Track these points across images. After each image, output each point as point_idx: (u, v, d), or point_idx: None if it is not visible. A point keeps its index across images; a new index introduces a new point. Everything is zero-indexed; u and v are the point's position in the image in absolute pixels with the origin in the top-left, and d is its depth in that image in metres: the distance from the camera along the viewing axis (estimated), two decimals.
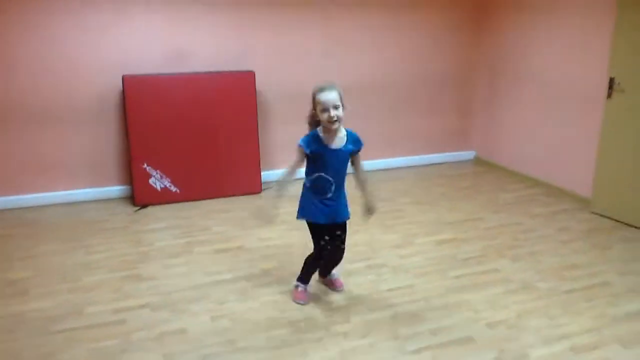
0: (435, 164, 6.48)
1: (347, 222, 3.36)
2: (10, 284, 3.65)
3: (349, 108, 3.10)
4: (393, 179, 5.94)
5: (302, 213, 3.30)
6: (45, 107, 4.81)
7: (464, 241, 4.34)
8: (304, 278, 3.48)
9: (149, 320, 3.21)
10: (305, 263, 3.48)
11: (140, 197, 5.04)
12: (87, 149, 5.03)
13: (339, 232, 3.33)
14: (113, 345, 2.97)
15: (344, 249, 3.39)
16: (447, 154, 6.56)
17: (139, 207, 4.99)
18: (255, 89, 5.22)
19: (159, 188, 5.07)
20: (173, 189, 5.11)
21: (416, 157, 6.40)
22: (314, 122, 3.16)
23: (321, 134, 3.13)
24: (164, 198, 5.09)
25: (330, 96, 3.00)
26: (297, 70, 5.54)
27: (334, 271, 3.61)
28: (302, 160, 3.17)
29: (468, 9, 6.14)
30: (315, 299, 3.46)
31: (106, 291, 3.54)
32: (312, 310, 3.32)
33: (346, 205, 3.32)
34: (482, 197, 5.38)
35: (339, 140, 3.14)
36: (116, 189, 5.21)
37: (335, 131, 3.10)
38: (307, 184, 3.23)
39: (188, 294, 3.52)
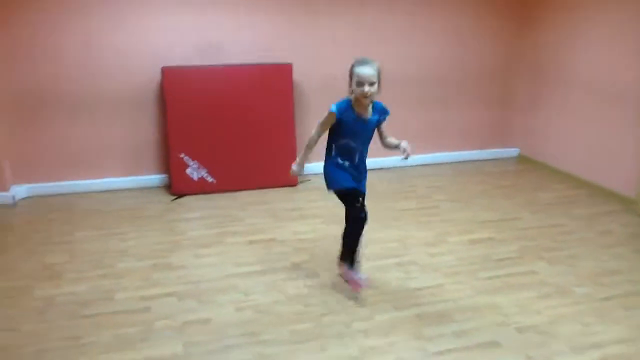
0: (475, 160, 6.32)
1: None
2: (46, 267, 3.76)
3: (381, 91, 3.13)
4: (429, 175, 5.83)
5: (332, 184, 3.30)
6: (88, 96, 4.93)
7: (500, 241, 4.21)
8: (346, 257, 3.39)
9: (174, 308, 3.25)
10: (344, 244, 3.40)
11: (177, 186, 5.10)
12: (127, 138, 5.13)
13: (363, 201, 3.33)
14: (135, 332, 3.02)
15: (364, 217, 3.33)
16: (489, 150, 6.39)
17: (175, 197, 5.06)
18: (292, 80, 5.20)
19: (195, 178, 5.12)
20: (209, 179, 5.16)
21: (455, 153, 6.26)
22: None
23: (353, 103, 3.16)
24: (200, 188, 5.14)
25: (367, 71, 3.04)
26: (334, 62, 5.49)
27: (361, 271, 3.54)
28: (329, 124, 3.19)
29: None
30: (339, 294, 3.42)
31: (136, 278, 3.60)
32: (336, 306, 3.29)
33: (365, 179, 3.39)
34: (522, 196, 5.21)
35: (369, 111, 3.18)
36: (154, 178, 5.30)
37: (367, 104, 3.14)
38: (333, 153, 3.26)
39: (216, 284, 3.54)
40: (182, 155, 5.06)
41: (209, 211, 4.76)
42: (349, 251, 3.40)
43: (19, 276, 3.62)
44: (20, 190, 4.95)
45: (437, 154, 6.19)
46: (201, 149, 5.11)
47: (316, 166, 5.65)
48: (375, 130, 3.30)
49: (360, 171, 3.32)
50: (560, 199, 5.14)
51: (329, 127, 3.22)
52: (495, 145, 6.41)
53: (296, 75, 5.33)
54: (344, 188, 3.27)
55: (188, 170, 5.09)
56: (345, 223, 3.33)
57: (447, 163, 6.21)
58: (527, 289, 3.51)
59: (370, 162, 5.61)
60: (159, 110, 5.11)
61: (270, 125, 5.21)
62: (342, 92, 5.40)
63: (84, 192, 5.14)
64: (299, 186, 5.41)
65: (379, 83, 3.09)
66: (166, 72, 4.89)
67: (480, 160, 6.34)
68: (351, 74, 3.12)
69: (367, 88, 3.03)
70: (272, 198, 5.10)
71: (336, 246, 3.89)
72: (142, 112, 5.10)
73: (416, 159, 6.08)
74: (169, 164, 5.08)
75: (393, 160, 5.99)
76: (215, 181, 5.17)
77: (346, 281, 3.42)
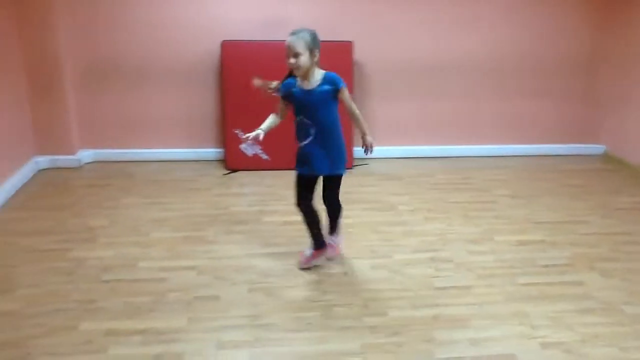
0: (554, 155, 5.82)
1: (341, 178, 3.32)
2: (87, 230, 3.92)
3: (317, 56, 3.04)
4: (495, 167, 5.46)
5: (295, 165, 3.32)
6: (153, 68, 5.07)
7: (553, 245, 3.85)
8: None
9: (189, 282, 3.26)
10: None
11: (230, 161, 5.14)
12: (188, 110, 5.23)
13: (331, 184, 3.32)
14: (146, 301, 3.06)
15: (336, 199, 3.37)
16: (570, 145, 5.87)
17: (228, 172, 5.10)
18: (352, 59, 5.04)
19: (249, 154, 5.13)
20: (264, 156, 5.15)
21: (531, 147, 5.81)
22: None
23: (298, 78, 3.09)
24: (253, 164, 5.15)
25: (291, 41, 2.97)
26: (399, 43, 5.27)
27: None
28: (281, 102, 3.22)
29: None
30: (360, 285, 3.28)
31: (164, 249, 3.66)
32: (351, 298, 3.15)
33: (335, 159, 3.20)
34: (595, 198, 4.74)
35: (314, 82, 3.05)
36: (212, 152, 5.37)
37: (306, 75, 3.03)
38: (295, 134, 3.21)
39: (237, 262, 3.52)
40: (237, 131, 5.07)
41: (256, 188, 4.75)
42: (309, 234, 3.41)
43: (59, 237, 3.80)
44: (86, 155, 5.21)
45: (509, 146, 5.77)
46: (256, 125, 5.07)
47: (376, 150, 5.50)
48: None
49: (320, 149, 3.17)
50: (638, 205, 4.62)
51: (283, 105, 3.24)
52: (577, 140, 5.87)
53: (359, 55, 5.15)
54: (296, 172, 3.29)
55: (242, 146, 5.11)
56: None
57: (520, 156, 5.77)
58: (566, 300, 3.17)
59: (428, 150, 5.46)
60: (219, 84, 5.15)
61: None
62: (404, 73, 5.21)
63: (143, 160, 5.31)
64: (354, 170, 5.26)
65: (311, 53, 2.99)
66: (225, 45, 4.90)
67: (560, 156, 5.83)
68: None
69: (291, 60, 2.97)
70: None
71: (373, 234, 3.76)
72: (202, 86, 5.17)
73: (485, 149, 5.72)
74: (225, 139, 5.12)
75: (454, 149, 5.68)
76: (269, 159, 5.15)
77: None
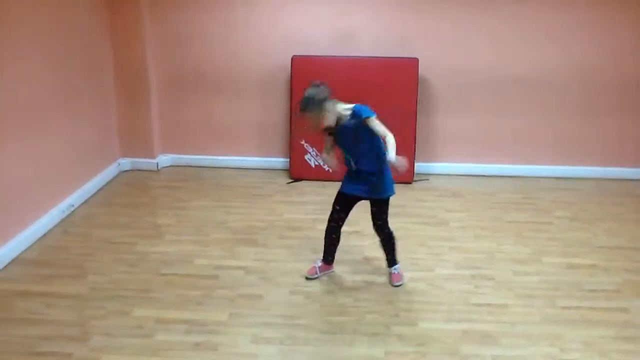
0: (626, 179, 5.58)
1: (387, 203, 3.40)
2: (154, 227, 4.29)
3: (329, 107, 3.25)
4: (561, 189, 5.33)
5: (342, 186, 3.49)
6: (226, 79, 5.41)
7: (604, 270, 3.77)
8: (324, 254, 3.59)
9: (237, 281, 3.52)
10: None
11: (295, 171, 5.39)
12: (259, 120, 5.54)
13: (373, 209, 3.41)
14: (196, 295, 3.34)
15: (380, 225, 3.43)
16: None
17: (291, 181, 5.35)
18: (417, 76, 5.15)
19: (313, 165, 5.36)
20: (326, 167, 5.34)
21: (603, 169, 5.59)
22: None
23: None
24: (316, 175, 5.36)
25: (306, 120, 3.24)
26: (464, 58, 5.29)
27: (396, 266, 3.56)
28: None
29: None
30: (396, 295, 3.39)
31: (220, 249, 3.94)
32: (385, 306, 3.27)
33: (376, 184, 3.30)
34: None
35: (344, 119, 3.24)
36: (279, 161, 5.64)
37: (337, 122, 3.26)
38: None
39: (284, 265, 3.73)
40: (302, 142, 5.32)
41: (315, 197, 4.96)
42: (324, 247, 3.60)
43: (130, 232, 4.19)
44: (165, 159, 5.65)
45: (578, 168, 5.60)
46: (321, 138, 5.30)
47: (436, 166, 5.56)
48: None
49: (363, 176, 3.33)
50: None
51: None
52: None
53: (424, 71, 5.25)
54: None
55: (307, 157, 5.35)
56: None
57: (589, 179, 5.58)
58: (605, 326, 3.13)
59: (492, 168, 5.42)
60: (289, 97, 5.42)
61: (391, 119, 5.15)
62: (469, 89, 5.23)
63: (216, 166, 5.66)
64: (415, 184, 5.34)
65: (322, 113, 3.23)
66: (295, 60, 5.17)
67: (632, 180, 5.58)
68: None
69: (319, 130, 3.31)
70: None
71: (420, 248, 3.85)
72: (274, 98, 5.46)
73: (553, 170, 5.60)
74: (291, 149, 5.38)
75: (520, 168, 5.61)
76: (331, 170, 5.33)
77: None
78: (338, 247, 3.60)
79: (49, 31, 4.17)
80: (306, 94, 3.23)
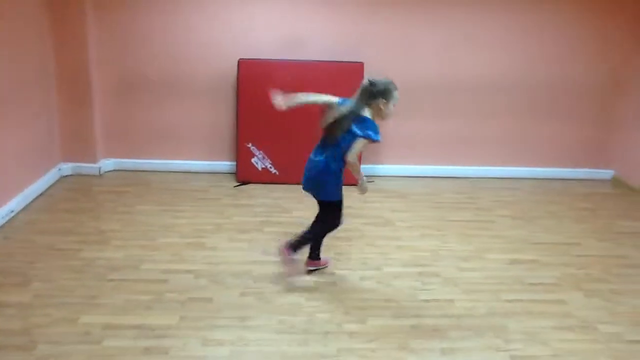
0: (564, 179, 5.86)
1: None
2: (99, 232, 4.18)
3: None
4: (503, 188, 5.53)
5: (340, 194, 3.49)
6: (172, 82, 5.33)
7: (544, 265, 3.94)
8: (299, 249, 3.56)
9: (186, 284, 3.47)
10: (316, 240, 3.62)
11: (242, 174, 5.38)
12: (204, 124, 5.49)
13: None
14: (145, 300, 3.28)
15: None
16: (580, 170, 5.89)
17: (238, 184, 5.33)
18: (362, 80, 5.21)
19: (259, 168, 5.36)
20: (273, 170, 5.36)
21: (540, 169, 5.86)
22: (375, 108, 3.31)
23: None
24: (263, 178, 5.36)
25: (398, 96, 3.31)
26: (411, 63, 5.42)
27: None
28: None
29: (628, 15, 5.43)
30: (346, 294, 3.44)
31: (168, 253, 3.88)
32: (335, 305, 3.31)
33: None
34: (597, 222, 4.78)
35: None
36: (226, 164, 5.60)
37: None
38: (341, 168, 3.37)
39: (235, 268, 3.71)
40: (249, 145, 5.31)
41: (262, 200, 4.96)
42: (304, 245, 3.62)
43: (75, 238, 4.06)
44: (108, 164, 5.51)
45: (519, 168, 5.84)
46: (268, 141, 5.33)
47: (383, 168, 5.67)
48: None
49: None
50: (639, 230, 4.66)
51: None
52: (587, 165, 5.90)
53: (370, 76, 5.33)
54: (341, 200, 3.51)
55: (253, 160, 5.34)
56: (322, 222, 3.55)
57: (529, 179, 5.83)
58: (546, 318, 3.27)
59: (437, 169, 5.58)
60: (235, 100, 5.39)
61: None
62: (414, 93, 5.35)
63: (162, 170, 5.57)
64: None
65: None
66: (242, 63, 5.16)
67: (569, 180, 5.85)
68: (388, 95, 3.30)
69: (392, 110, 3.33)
70: None
71: (367, 247, 3.90)
72: (220, 101, 5.42)
73: (495, 170, 5.81)
74: (237, 153, 5.36)
75: (464, 169, 5.79)
76: (278, 173, 5.36)
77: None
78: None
79: None
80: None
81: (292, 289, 3.47)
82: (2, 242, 3.96)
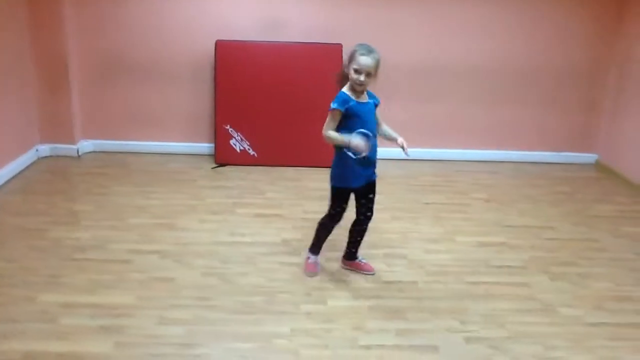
0: (546, 163, 5.82)
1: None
2: (71, 214, 4.18)
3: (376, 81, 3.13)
4: (482, 171, 5.51)
5: (340, 181, 3.27)
6: (150, 64, 5.32)
7: (512, 248, 3.93)
8: (315, 248, 3.48)
9: (150, 265, 3.48)
10: (317, 232, 3.45)
11: (220, 156, 5.37)
12: (183, 106, 5.47)
13: (370, 195, 3.35)
14: (107, 279, 3.29)
15: (370, 215, 3.39)
16: (563, 154, 5.85)
17: (216, 165, 5.32)
18: (341, 62, 5.18)
19: (238, 150, 5.35)
20: (251, 152, 5.35)
21: (524, 153, 5.82)
22: (344, 77, 3.13)
23: (348, 92, 3.11)
24: (241, 160, 5.35)
25: (367, 62, 3.00)
26: (389, 46, 5.30)
27: (359, 254, 3.55)
28: (336, 123, 3.11)
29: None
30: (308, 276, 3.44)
31: (137, 234, 3.89)
32: (296, 286, 3.31)
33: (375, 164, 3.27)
34: (573, 205, 4.76)
35: (364, 96, 3.15)
36: (205, 146, 5.59)
37: (360, 92, 3.10)
38: (342, 153, 3.17)
39: (201, 248, 3.72)
40: (227, 127, 5.30)
41: (238, 182, 4.95)
42: (319, 243, 3.49)
43: (46, 218, 4.07)
44: (86, 145, 5.51)
45: (500, 152, 5.80)
46: (246, 123, 5.31)
47: None
48: None
49: (373, 158, 3.26)
50: (616, 214, 4.63)
51: (337, 123, 3.12)
52: (571, 149, 5.85)
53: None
54: (346, 187, 3.29)
55: (232, 142, 5.33)
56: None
57: (510, 162, 5.79)
58: (507, 300, 3.26)
59: (418, 152, 5.55)
60: (213, 82, 5.36)
61: (315, 105, 5.22)
62: (395, 76, 5.30)
63: (141, 152, 5.56)
64: None
65: (375, 74, 3.07)
66: (219, 44, 5.13)
67: (552, 164, 5.81)
68: (351, 59, 3.06)
69: (362, 77, 3.00)
70: (306, 177, 5.15)
71: (337, 230, 3.73)
72: (198, 83, 5.40)
73: (477, 153, 5.78)
74: (216, 134, 5.34)
75: (446, 152, 5.76)
76: (256, 155, 5.35)
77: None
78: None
79: None
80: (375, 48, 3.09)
81: (255, 270, 3.48)
82: None
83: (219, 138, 5.34)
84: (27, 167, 5.06)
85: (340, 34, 5.24)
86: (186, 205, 4.41)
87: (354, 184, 3.25)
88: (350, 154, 3.11)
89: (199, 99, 5.45)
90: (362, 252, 3.73)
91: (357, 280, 3.41)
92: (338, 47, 5.18)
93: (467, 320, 3.04)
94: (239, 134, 5.31)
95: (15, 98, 4.86)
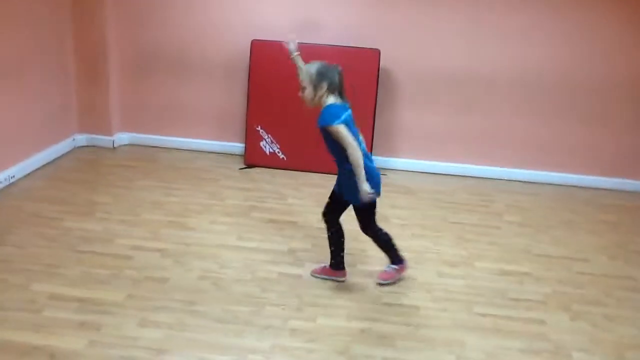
0: (594, 188, 5.36)
1: (363, 209, 3.22)
2: (90, 204, 4.21)
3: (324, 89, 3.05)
4: (524, 193, 5.14)
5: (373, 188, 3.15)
6: (187, 60, 5.31)
7: (536, 280, 3.61)
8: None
9: (149, 263, 3.43)
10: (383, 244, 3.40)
11: (249, 157, 5.29)
12: (216, 104, 5.44)
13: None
14: (102, 274, 3.27)
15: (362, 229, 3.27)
16: (612, 179, 5.37)
17: (244, 167, 5.24)
18: (378, 67, 5.00)
19: (267, 152, 5.25)
20: (280, 155, 5.25)
21: (567, 175, 5.38)
22: None
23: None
24: (270, 162, 5.26)
25: (302, 75, 3.06)
26: (430, 53, 5.13)
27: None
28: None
29: None
30: (306, 290, 3.28)
31: (146, 230, 3.86)
32: (289, 299, 3.17)
33: (351, 188, 3.02)
34: (614, 237, 4.35)
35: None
36: (236, 146, 5.53)
37: (317, 106, 3.08)
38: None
39: (204, 250, 3.64)
40: (258, 128, 5.22)
41: (262, 185, 4.85)
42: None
43: (63, 207, 4.12)
44: (122, 137, 5.58)
45: (543, 173, 5.40)
46: (277, 125, 5.21)
47: (396, 162, 5.41)
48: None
49: (341, 178, 3.25)
50: None
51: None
52: (622, 174, 5.36)
53: (387, 63, 5.10)
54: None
55: (262, 143, 5.24)
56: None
57: (553, 184, 5.39)
58: (515, 338, 2.99)
59: (455, 167, 5.26)
60: (247, 81, 5.30)
61: None
62: (434, 85, 5.05)
63: (173, 147, 5.57)
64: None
65: (315, 87, 3.02)
66: (255, 44, 5.06)
67: (599, 189, 5.34)
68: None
69: (299, 92, 3.08)
70: (330, 184, 4.88)
71: (350, 242, 3.55)
72: (233, 82, 5.35)
73: (516, 173, 5.41)
74: (247, 135, 5.28)
75: (485, 170, 5.43)
76: (285, 158, 5.24)
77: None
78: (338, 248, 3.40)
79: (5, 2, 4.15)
80: (316, 62, 3.10)
81: (253, 278, 3.36)
82: None
83: (249, 139, 5.27)
84: (63, 156, 5.16)
85: (378, 39, 5.05)
86: (203, 204, 4.35)
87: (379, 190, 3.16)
88: (367, 161, 3.06)
89: (232, 98, 5.40)
90: (372, 268, 3.59)
91: (356, 298, 3.23)
92: (375, 53, 4.99)
93: (463, 355, 2.80)
94: (269, 135, 5.22)
95: (55, 85, 4.99)
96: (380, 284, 3.36)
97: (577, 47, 5.04)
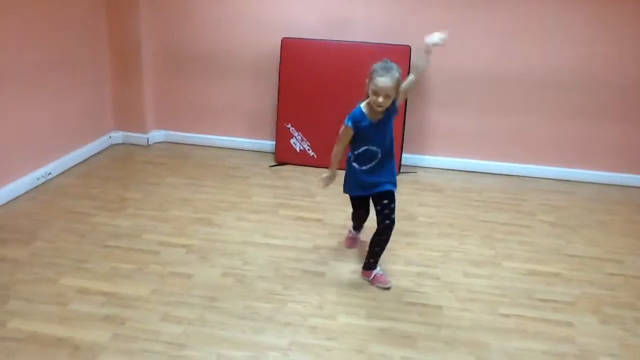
0: (633, 187, 5.18)
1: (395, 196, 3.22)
2: (120, 200, 4.31)
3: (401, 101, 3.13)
4: (558, 192, 5.00)
5: (344, 188, 3.39)
6: (219, 58, 5.36)
7: (566, 280, 3.51)
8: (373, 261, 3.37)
9: (175, 259, 3.48)
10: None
11: (280, 154, 5.31)
12: (247, 101, 5.47)
13: (385, 202, 3.17)
14: (128, 269, 3.33)
15: (388, 224, 3.19)
16: None
17: (274, 164, 5.27)
18: (409, 64, 4.94)
19: (298, 149, 5.27)
20: (311, 153, 5.25)
21: (604, 174, 5.22)
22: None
23: (365, 108, 3.09)
24: (300, 160, 5.27)
25: (385, 83, 2.90)
26: (462, 51, 5.03)
27: (379, 266, 3.37)
28: (348, 138, 3.16)
29: None
30: (328, 287, 3.28)
31: (173, 226, 3.92)
32: (311, 297, 3.17)
33: (390, 176, 3.18)
34: None
35: (382, 114, 3.06)
36: (267, 143, 5.56)
37: (380, 112, 3.04)
38: (352, 159, 3.22)
39: (230, 247, 3.67)
40: (288, 126, 5.23)
41: (292, 182, 4.86)
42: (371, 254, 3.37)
43: (95, 203, 4.22)
44: (157, 135, 5.68)
45: (579, 171, 5.25)
46: (307, 122, 5.22)
47: (426, 159, 5.34)
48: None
49: (379, 172, 3.17)
50: None
51: (349, 139, 3.16)
52: None
53: (415, 59, 5.03)
54: (350, 195, 3.43)
55: (292, 141, 5.26)
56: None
57: (589, 183, 5.23)
58: (539, 340, 2.91)
59: (486, 165, 5.17)
60: (278, 79, 5.32)
61: None
62: (466, 82, 4.98)
63: (205, 145, 5.64)
64: (399, 177, 5.15)
65: (396, 94, 2.98)
66: (285, 42, 5.08)
67: (637, 188, 5.18)
68: (370, 78, 2.99)
69: (380, 99, 2.92)
70: None
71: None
72: (263, 79, 5.37)
73: (552, 171, 5.28)
74: (277, 132, 5.30)
75: (516, 167, 5.31)
76: (315, 156, 5.24)
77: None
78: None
79: (42, 3, 4.28)
80: (394, 65, 3.00)
81: (277, 275, 3.37)
82: (29, 202, 4.19)
83: (280, 136, 5.29)
84: (99, 153, 5.29)
85: (408, 35, 4.98)
86: (230, 202, 4.39)
87: (354, 193, 3.35)
88: (355, 164, 3.17)
89: (262, 95, 5.43)
90: (396, 267, 3.54)
91: (379, 297, 3.20)
92: (406, 49, 4.94)
93: (484, 357, 2.75)
94: (299, 133, 5.23)
95: (91, 84, 5.12)
96: (384, 289, 3.31)
97: (610, 46, 4.86)
